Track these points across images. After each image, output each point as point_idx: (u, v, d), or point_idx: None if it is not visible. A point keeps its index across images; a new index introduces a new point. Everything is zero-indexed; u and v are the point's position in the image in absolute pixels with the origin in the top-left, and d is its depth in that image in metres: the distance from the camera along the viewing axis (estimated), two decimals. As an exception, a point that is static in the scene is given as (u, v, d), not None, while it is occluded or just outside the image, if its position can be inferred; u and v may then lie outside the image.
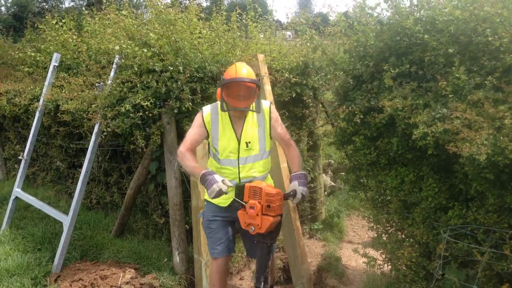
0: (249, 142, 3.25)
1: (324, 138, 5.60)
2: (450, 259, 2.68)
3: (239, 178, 3.27)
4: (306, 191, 3.21)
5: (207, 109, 3.31)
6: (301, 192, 3.15)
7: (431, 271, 2.83)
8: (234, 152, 3.25)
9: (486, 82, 2.44)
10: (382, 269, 3.49)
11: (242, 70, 3.12)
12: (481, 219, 2.56)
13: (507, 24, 2.50)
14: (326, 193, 6.58)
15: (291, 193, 3.16)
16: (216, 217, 3.37)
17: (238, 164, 3.26)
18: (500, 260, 2.49)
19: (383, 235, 3.49)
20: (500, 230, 2.48)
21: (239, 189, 3.12)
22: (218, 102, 3.28)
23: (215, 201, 3.29)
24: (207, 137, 3.31)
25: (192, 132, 3.30)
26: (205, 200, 3.46)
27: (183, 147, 3.23)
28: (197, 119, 3.32)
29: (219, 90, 3.19)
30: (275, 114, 3.35)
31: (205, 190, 3.17)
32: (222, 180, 2.98)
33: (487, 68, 2.53)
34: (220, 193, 2.94)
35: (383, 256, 3.48)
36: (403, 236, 3.33)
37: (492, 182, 2.38)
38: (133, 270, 4.19)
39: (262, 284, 3.12)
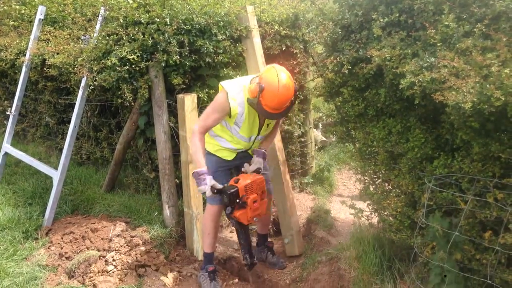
0: (270, 123, 3.41)
1: (314, 91, 5.56)
2: (434, 208, 2.71)
3: (250, 149, 3.57)
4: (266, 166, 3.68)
5: (232, 95, 3.17)
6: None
7: (415, 220, 2.87)
8: (255, 133, 3.40)
9: (475, 29, 2.40)
10: (370, 221, 3.54)
11: (282, 76, 3.00)
12: (466, 168, 2.57)
13: (499, -31, 2.44)
14: (317, 147, 6.60)
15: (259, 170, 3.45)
16: (220, 168, 3.55)
17: (254, 140, 3.45)
18: (484, 208, 2.52)
19: (370, 186, 3.53)
20: (484, 178, 2.50)
21: (232, 195, 3.17)
22: (243, 92, 3.19)
23: (221, 154, 3.51)
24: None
25: (214, 117, 3.23)
26: (208, 152, 3.54)
27: (200, 129, 3.24)
28: (221, 103, 3.20)
29: (256, 88, 3.01)
30: None
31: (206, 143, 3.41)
32: (212, 185, 3.14)
33: (476, 15, 2.48)
34: (204, 194, 3.23)
35: (370, 207, 3.52)
36: (390, 186, 3.37)
37: (477, 131, 2.37)
38: (123, 224, 4.23)
39: (251, 258, 3.48)
